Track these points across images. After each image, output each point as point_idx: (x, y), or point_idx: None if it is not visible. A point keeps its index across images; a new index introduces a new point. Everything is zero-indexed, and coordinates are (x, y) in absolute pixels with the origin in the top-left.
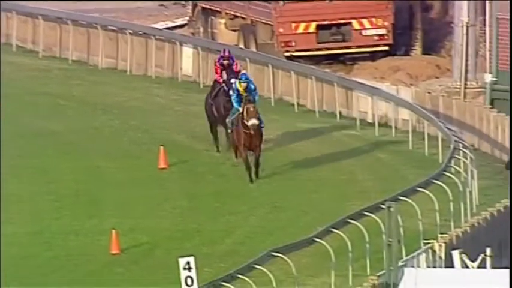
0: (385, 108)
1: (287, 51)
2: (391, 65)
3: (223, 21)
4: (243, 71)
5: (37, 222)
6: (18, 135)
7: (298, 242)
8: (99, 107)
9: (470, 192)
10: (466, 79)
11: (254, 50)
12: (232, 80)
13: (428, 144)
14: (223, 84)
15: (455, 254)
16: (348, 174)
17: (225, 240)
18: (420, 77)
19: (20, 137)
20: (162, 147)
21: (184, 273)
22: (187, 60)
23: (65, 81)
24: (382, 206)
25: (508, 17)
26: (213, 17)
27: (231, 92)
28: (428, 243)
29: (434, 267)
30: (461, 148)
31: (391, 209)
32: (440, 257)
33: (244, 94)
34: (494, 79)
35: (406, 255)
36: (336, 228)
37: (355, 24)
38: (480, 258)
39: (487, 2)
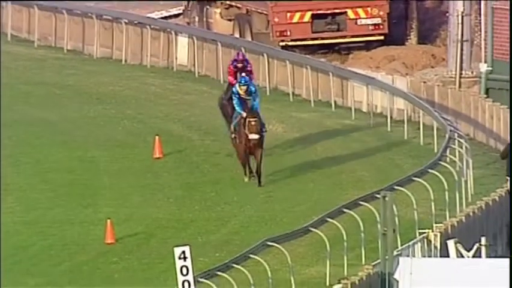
0: (380, 97)
1: (282, 40)
2: (386, 55)
3: (218, 10)
4: (243, 74)
5: (32, 212)
6: (13, 124)
7: (293, 232)
8: (94, 96)
9: (466, 182)
10: (461, 68)
11: (249, 39)
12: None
13: (423, 133)
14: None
15: (451, 243)
16: (343, 163)
17: (220, 229)
18: (415, 66)
19: (15, 126)
20: (157, 137)
21: (179, 263)
22: (183, 49)
23: (60, 70)
24: (377, 196)
25: (504, 7)
26: (208, 7)
27: (236, 88)
28: (424, 232)
29: (430, 256)
30: (456, 138)
31: (386, 199)
32: (435, 247)
33: (246, 97)
34: (490, 69)
35: (401, 245)
36: (331, 218)
37: (350, 13)
38: (475, 247)
39: None
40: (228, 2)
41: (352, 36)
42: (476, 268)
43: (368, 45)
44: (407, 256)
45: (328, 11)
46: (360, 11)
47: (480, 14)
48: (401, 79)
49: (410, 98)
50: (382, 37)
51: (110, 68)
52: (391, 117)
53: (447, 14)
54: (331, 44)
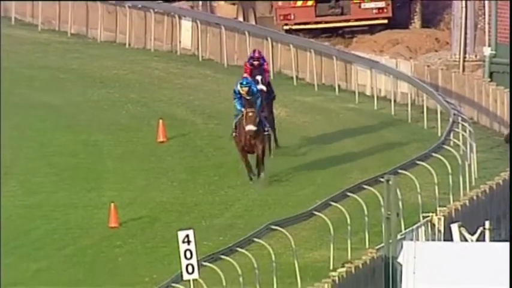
0: (384, 81)
1: (286, 24)
2: (390, 38)
3: None
4: (245, 75)
5: (35, 196)
6: (16, 108)
7: (297, 215)
8: (98, 80)
9: (469, 166)
10: (465, 52)
11: (253, 23)
12: (258, 77)
13: (427, 117)
14: None
15: (454, 227)
16: (347, 147)
17: (224, 213)
18: (419, 50)
19: (19, 110)
20: (161, 121)
21: (183, 247)
22: (186, 33)
23: (64, 54)
24: (381, 179)
25: None
26: None
27: (237, 88)
28: (427, 216)
29: (433, 240)
30: (460, 121)
31: (390, 182)
32: (439, 230)
33: (247, 97)
34: (493, 52)
35: (405, 229)
36: (335, 202)
37: None
38: (479, 231)
39: None
40: None
41: (356, 20)
42: (480, 252)
43: (372, 29)
44: (411, 240)
45: None
46: None
47: None
48: (405, 63)
49: (414, 81)
50: (385, 21)
51: (113, 52)
52: (394, 101)
53: None
54: (335, 27)
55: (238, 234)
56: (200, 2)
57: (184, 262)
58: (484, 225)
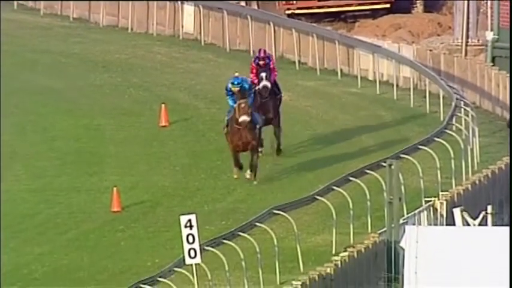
0: (387, 65)
1: (288, 8)
2: (392, 23)
3: None
4: (236, 74)
5: (38, 180)
6: (19, 92)
7: (299, 200)
8: (100, 64)
9: (472, 150)
10: (467, 37)
11: (255, 7)
12: (262, 74)
13: (429, 102)
14: (258, 86)
15: (457, 211)
16: (349, 132)
17: (226, 198)
18: (422, 34)
19: (21, 95)
20: (163, 105)
21: (185, 231)
22: (189, 18)
23: (66, 38)
24: (383, 164)
25: None
26: None
27: (229, 85)
28: (430, 200)
29: (436, 224)
30: (462, 106)
31: (392, 167)
32: (441, 215)
33: (238, 94)
34: (496, 37)
35: (407, 213)
36: (337, 186)
37: None
38: (481, 215)
39: None
40: None
41: (358, 4)
42: (482, 236)
43: (374, 14)
44: (413, 224)
45: None
46: None
47: None
48: (407, 47)
49: (416, 66)
50: (388, 5)
51: (115, 37)
52: (397, 86)
53: None
54: (337, 12)
55: (241, 218)
56: None
57: (186, 246)
58: (486, 209)
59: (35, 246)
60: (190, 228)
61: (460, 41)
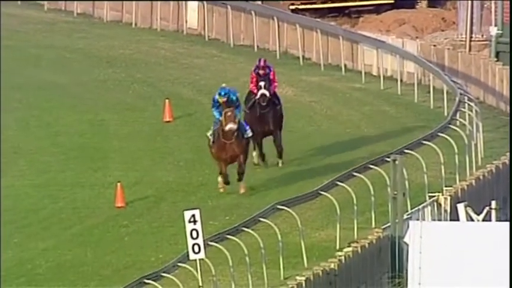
0: (391, 61)
1: (292, 4)
2: (396, 18)
3: None
4: (223, 85)
5: (42, 175)
6: (23, 87)
7: (303, 195)
8: (104, 59)
9: (476, 145)
10: (471, 32)
11: (259, 2)
12: (261, 83)
13: (433, 97)
14: (258, 97)
15: (461, 206)
16: (353, 127)
17: (230, 193)
18: (425, 29)
19: (25, 90)
20: (167, 100)
21: (189, 226)
22: (193, 13)
23: (70, 34)
24: (388, 159)
25: None
26: None
27: (216, 97)
28: (434, 196)
29: (439, 220)
30: (466, 101)
31: (396, 162)
32: (445, 210)
33: (225, 106)
34: (500, 32)
35: (411, 208)
36: (341, 181)
37: None
38: (485, 211)
39: None
40: None
41: (362, 0)
42: (486, 232)
43: (378, 9)
44: (417, 220)
45: None
46: None
47: None
48: (411, 42)
49: (420, 61)
50: (392, 0)
51: (119, 32)
52: (401, 81)
53: None
54: (342, 7)
55: (244, 214)
56: None
57: (190, 242)
58: (490, 204)
59: (39, 242)
60: (194, 224)
61: (464, 36)
